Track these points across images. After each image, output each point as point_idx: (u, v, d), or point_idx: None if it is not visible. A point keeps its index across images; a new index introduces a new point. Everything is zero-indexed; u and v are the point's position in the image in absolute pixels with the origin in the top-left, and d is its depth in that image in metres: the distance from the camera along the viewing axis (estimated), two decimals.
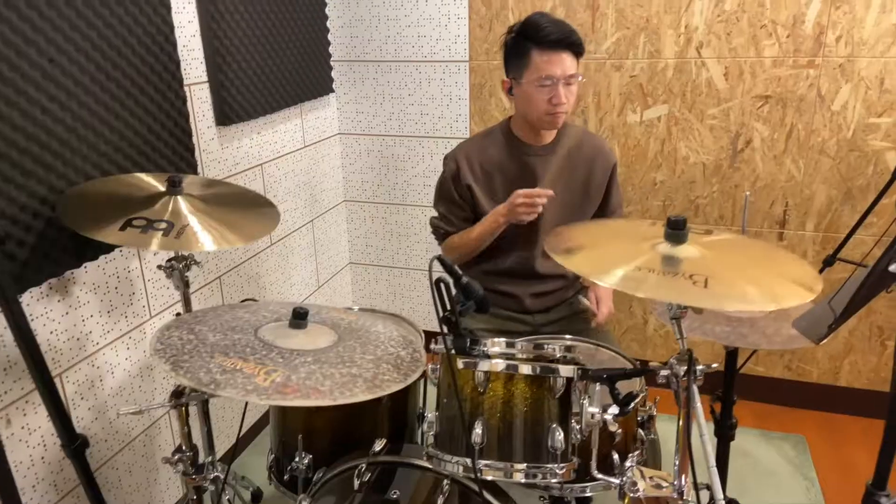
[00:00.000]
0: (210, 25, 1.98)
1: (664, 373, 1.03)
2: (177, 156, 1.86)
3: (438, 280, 1.09)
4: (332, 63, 2.75)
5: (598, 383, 1.18)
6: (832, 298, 1.00)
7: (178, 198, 1.49)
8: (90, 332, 1.70)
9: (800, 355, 2.65)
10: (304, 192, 2.69)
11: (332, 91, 2.78)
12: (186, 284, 1.59)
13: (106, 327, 1.74)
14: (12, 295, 1.33)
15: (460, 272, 1.15)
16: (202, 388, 1.05)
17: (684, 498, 1.08)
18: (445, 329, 1.11)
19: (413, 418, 1.74)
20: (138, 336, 1.86)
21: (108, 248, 1.68)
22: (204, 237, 1.41)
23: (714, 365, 1.04)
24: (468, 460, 1.13)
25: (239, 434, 1.69)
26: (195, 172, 1.95)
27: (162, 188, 1.53)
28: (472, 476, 1.11)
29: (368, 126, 2.87)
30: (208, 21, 1.97)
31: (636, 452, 1.42)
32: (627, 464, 1.14)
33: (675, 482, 1.10)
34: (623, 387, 1.20)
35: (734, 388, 1.57)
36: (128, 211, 1.42)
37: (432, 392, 1.93)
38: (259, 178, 2.36)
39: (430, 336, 1.40)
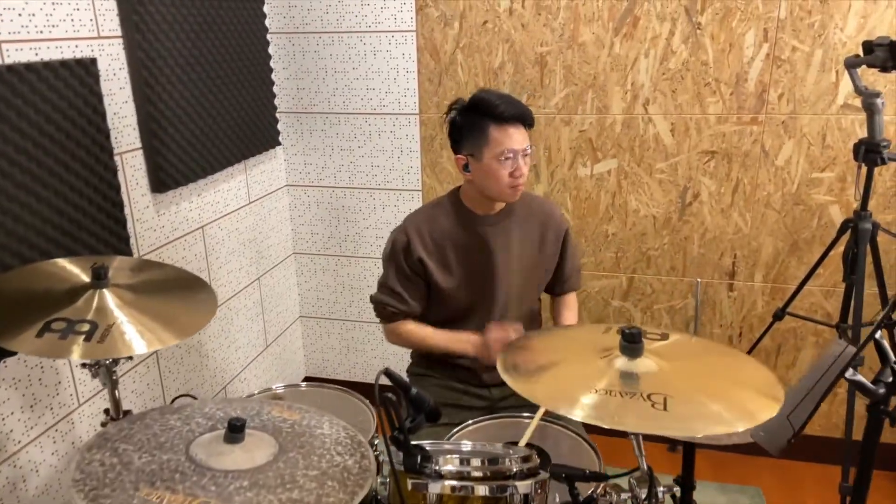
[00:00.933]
0: (143, 90, 1.88)
1: (624, 496, 0.98)
2: (106, 231, 1.76)
3: (385, 400, 1.02)
4: (277, 115, 2.67)
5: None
6: (790, 413, 0.97)
7: (104, 291, 1.39)
8: (11, 430, 1.56)
9: None
10: (250, 249, 2.59)
11: (279, 144, 2.70)
12: (115, 384, 1.47)
13: (28, 423, 1.61)
14: None
15: (409, 384, 1.08)
16: None
17: None
18: (394, 448, 1.04)
19: None
20: (65, 428, 1.73)
21: None
22: (134, 338, 1.31)
23: (676, 489, 0.99)
24: None
25: None
26: (127, 246, 1.84)
27: (86, 278, 1.42)
28: None
29: (318, 177, 2.79)
30: (141, 86, 1.88)
31: None
32: None
33: None
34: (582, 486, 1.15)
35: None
36: (47, 311, 1.31)
37: None
38: (200, 242, 2.25)
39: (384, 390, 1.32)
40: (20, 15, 1.52)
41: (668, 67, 2.33)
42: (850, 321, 2.20)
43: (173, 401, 2.08)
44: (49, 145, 1.56)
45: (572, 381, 1.05)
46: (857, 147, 1.98)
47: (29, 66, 1.50)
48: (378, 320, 1.88)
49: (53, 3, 1.60)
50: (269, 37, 2.58)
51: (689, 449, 1.52)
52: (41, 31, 1.57)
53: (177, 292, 1.53)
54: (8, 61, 1.48)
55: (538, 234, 1.83)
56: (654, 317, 2.64)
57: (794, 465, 2.60)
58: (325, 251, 2.90)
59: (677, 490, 0.97)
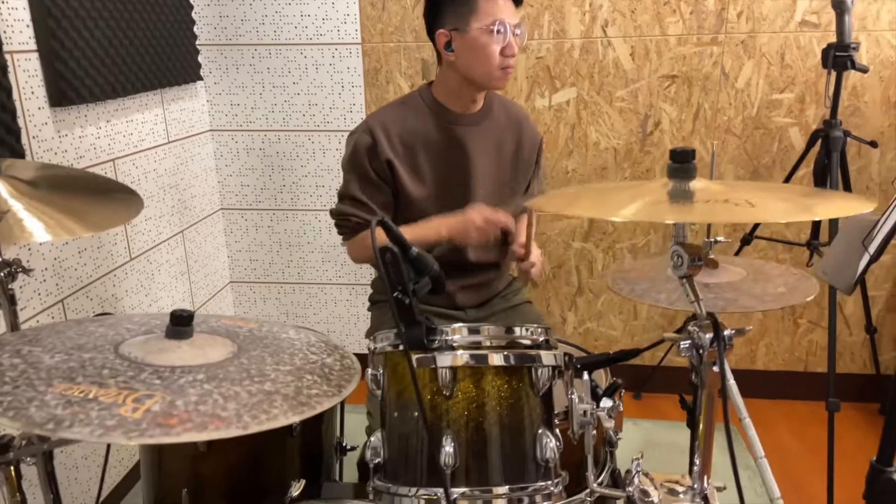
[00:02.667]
0: None
1: (684, 344, 0.80)
2: None
3: (385, 249, 0.79)
4: (198, 46, 2.36)
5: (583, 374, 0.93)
6: (864, 238, 0.83)
7: None
8: None
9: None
10: (171, 196, 2.26)
11: (200, 79, 2.39)
12: (12, 300, 1.16)
13: None
14: None
15: (409, 242, 0.86)
16: (35, 430, 0.67)
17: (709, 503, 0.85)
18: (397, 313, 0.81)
19: (330, 452, 1.41)
20: None
21: None
22: (32, 224, 1.02)
23: (748, 327, 0.83)
24: (436, 491, 0.83)
25: (98, 500, 1.26)
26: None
27: None
28: None
29: (246, 120, 2.50)
30: None
31: (606, 459, 1.18)
32: (632, 470, 0.90)
33: (695, 485, 0.87)
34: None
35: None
36: None
37: (355, 419, 1.61)
38: (111, 177, 1.92)
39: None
40: None
41: None
42: (820, 238, 2.15)
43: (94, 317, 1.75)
44: None
45: (621, 199, 0.87)
46: (825, 52, 1.92)
47: None
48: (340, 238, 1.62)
49: None
50: None
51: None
52: None
53: (89, 193, 1.23)
54: None
55: (516, 139, 1.64)
56: (615, 257, 2.52)
57: (758, 403, 2.53)
58: (258, 205, 2.60)
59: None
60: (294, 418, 0.79)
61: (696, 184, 0.85)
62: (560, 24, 2.28)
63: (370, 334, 1.35)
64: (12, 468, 0.95)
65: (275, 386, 0.85)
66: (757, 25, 2.22)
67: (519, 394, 0.87)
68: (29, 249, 1.59)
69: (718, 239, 1.27)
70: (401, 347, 0.90)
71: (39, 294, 1.65)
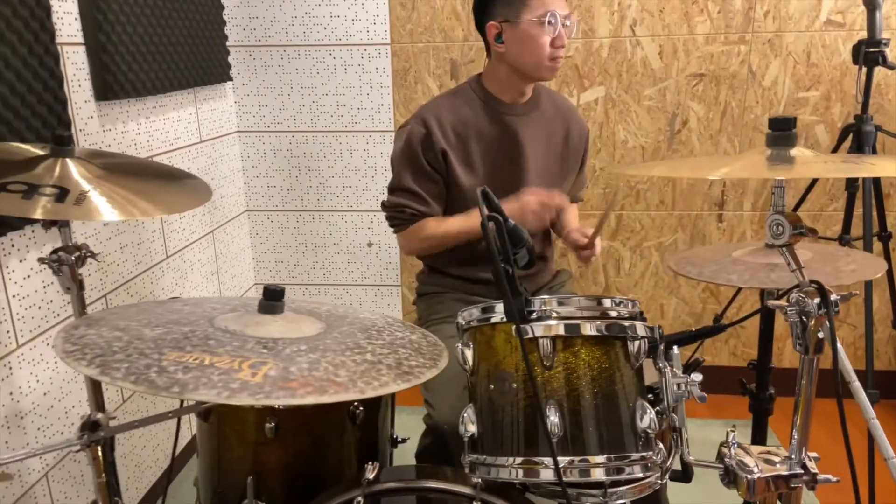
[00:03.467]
0: None
1: (792, 310, 0.80)
2: (48, 129, 1.42)
3: (490, 217, 0.80)
4: (228, 48, 2.37)
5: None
6: None
7: (68, 161, 1.08)
8: None
9: (744, 340, 2.60)
10: None
11: (230, 79, 2.40)
12: (80, 285, 1.15)
13: None
14: None
15: (505, 214, 0.86)
16: (161, 394, 0.67)
17: (810, 472, 0.86)
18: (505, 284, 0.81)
19: (384, 444, 1.41)
20: (3, 372, 1.36)
21: None
22: (104, 207, 1.01)
23: (855, 292, 0.83)
24: (538, 460, 0.83)
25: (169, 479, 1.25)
26: None
27: (41, 152, 1.10)
28: (555, 481, 0.81)
29: (274, 121, 2.50)
30: None
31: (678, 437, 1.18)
32: (728, 441, 0.90)
33: (793, 455, 0.87)
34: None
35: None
36: (2, 176, 0.99)
37: (405, 416, 1.60)
38: None
39: None
40: None
41: None
42: (851, 233, 2.17)
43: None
44: None
45: (714, 163, 0.88)
46: (856, 48, 1.95)
47: None
48: (392, 230, 1.61)
49: None
50: None
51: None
52: None
53: (157, 178, 1.23)
54: None
55: (564, 130, 1.66)
56: (643, 255, 2.53)
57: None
58: (284, 206, 2.60)
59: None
60: (403, 385, 0.79)
61: (795, 152, 0.87)
62: (589, 24, 2.30)
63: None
64: (100, 448, 0.94)
65: (376, 357, 0.85)
66: (783, 25, 2.25)
67: (615, 365, 0.87)
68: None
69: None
70: (493, 319, 0.90)
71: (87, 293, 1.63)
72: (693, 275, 1.19)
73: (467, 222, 1.50)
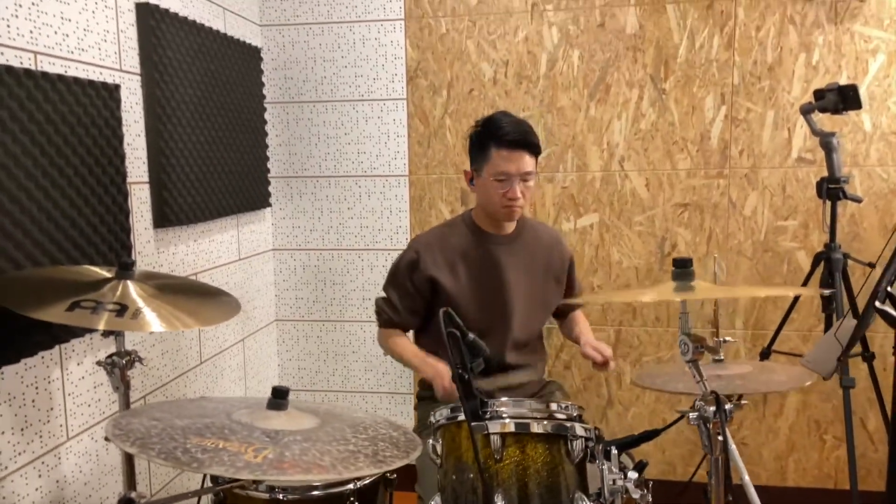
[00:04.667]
0: (156, 126, 1.93)
1: (693, 416, 0.98)
2: (113, 253, 1.72)
3: (450, 334, 1.02)
4: (269, 179, 2.74)
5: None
6: (836, 331, 1.02)
7: (128, 282, 1.35)
8: (0, 451, 1.42)
9: (746, 457, 2.66)
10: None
11: (269, 205, 2.74)
12: (127, 385, 1.39)
13: (18, 448, 1.47)
14: None
15: (465, 329, 1.08)
16: (182, 468, 0.88)
17: None
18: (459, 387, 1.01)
19: None
20: (52, 462, 1.58)
21: (32, 351, 1.46)
22: (154, 321, 1.26)
23: (745, 401, 1.01)
24: None
25: None
26: None
27: (108, 275, 1.38)
28: None
29: (305, 241, 2.82)
30: (155, 122, 1.93)
31: None
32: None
33: None
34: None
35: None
36: (75, 293, 1.26)
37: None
38: None
39: None
40: (55, 32, 1.58)
41: (640, 128, 2.56)
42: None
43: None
44: (71, 156, 1.57)
45: (633, 294, 1.08)
46: (819, 185, 2.19)
47: (61, 77, 1.54)
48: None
49: (85, 30, 1.68)
50: (265, 104, 2.71)
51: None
52: (72, 52, 1.63)
53: (198, 295, 1.50)
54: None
55: (545, 258, 1.90)
56: (643, 369, 2.68)
57: None
58: (309, 316, 2.86)
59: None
60: (375, 471, 0.98)
61: (696, 283, 1.07)
62: (582, 160, 2.61)
63: (418, 430, 1.54)
64: None
65: (357, 447, 1.04)
66: (758, 161, 2.52)
67: (556, 460, 1.05)
68: None
69: (727, 339, 1.46)
70: (459, 418, 1.09)
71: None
72: (647, 384, 1.37)
73: (412, 357, 1.78)
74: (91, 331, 1.61)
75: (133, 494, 1.12)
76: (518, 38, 2.59)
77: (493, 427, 1.03)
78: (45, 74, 1.50)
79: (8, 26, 1.43)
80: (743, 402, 1.01)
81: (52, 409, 1.57)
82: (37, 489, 1.52)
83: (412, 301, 1.83)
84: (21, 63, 1.47)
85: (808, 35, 2.43)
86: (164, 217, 1.98)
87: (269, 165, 2.73)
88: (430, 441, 1.13)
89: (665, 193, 2.59)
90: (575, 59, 2.57)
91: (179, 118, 2.03)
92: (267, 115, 2.73)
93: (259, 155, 2.62)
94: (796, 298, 2.37)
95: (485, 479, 0.99)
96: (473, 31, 2.61)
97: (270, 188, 2.76)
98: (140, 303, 1.31)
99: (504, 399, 1.08)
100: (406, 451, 1.08)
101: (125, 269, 1.35)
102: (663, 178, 2.58)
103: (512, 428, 1.04)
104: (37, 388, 1.52)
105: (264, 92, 2.70)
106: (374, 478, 1.44)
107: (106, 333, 1.37)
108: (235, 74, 2.41)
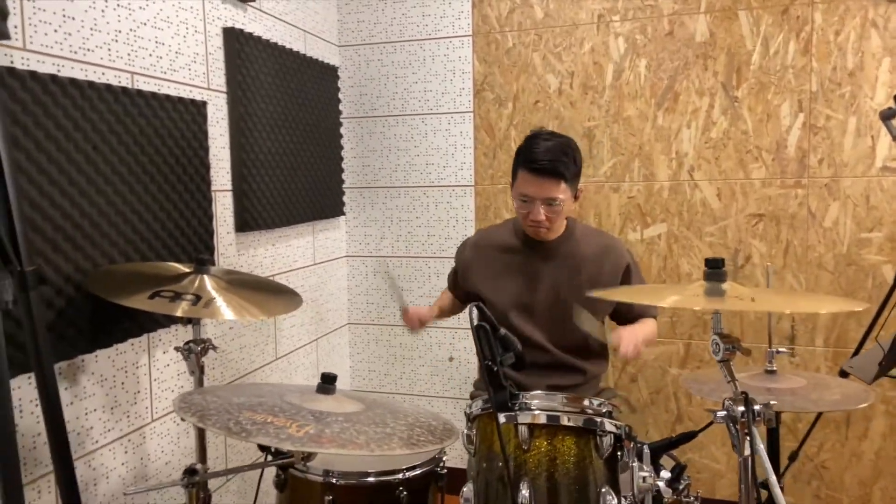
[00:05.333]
0: (239, 139, 2.11)
1: (721, 414, 0.98)
2: (197, 253, 1.89)
3: (479, 327, 1.07)
4: (343, 189, 2.89)
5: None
6: (877, 336, 0.99)
7: (205, 276, 1.50)
8: (91, 427, 1.60)
9: (827, 482, 2.52)
10: (311, 309, 2.68)
11: (343, 214, 2.89)
12: (202, 370, 1.53)
13: (108, 425, 1.64)
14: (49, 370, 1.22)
15: (497, 324, 1.13)
16: (232, 436, 0.98)
17: None
18: (487, 378, 1.07)
19: None
20: (138, 440, 1.75)
21: (122, 337, 1.64)
22: (225, 310, 1.40)
23: (773, 402, 1.00)
24: None
25: None
26: None
27: (188, 270, 1.54)
28: None
29: (376, 248, 2.94)
30: (238, 135, 2.11)
31: None
32: None
33: None
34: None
35: None
36: (156, 284, 1.41)
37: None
38: None
39: None
40: (150, 55, 1.78)
41: (710, 137, 2.51)
42: None
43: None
44: (161, 165, 1.75)
45: (662, 293, 1.10)
46: None
47: (155, 95, 1.73)
48: None
49: (177, 53, 1.87)
50: (341, 119, 2.87)
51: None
52: (164, 73, 1.83)
53: (265, 290, 1.63)
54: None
55: (594, 266, 1.90)
56: (693, 375, 2.59)
57: None
58: (380, 321, 2.97)
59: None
60: (406, 451, 1.04)
61: (727, 285, 1.07)
62: (649, 169, 2.58)
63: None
64: (195, 492, 1.25)
65: (393, 430, 1.11)
66: (839, 170, 2.40)
67: (584, 454, 1.07)
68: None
69: (780, 349, 1.42)
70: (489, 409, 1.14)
71: (209, 380, 2.04)
72: (693, 391, 1.36)
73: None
74: (175, 321, 1.78)
75: (198, 466, 1.24)
76: (584, 49, 2.62)
77: (522, 418, 1.07)
78: (139, 92, 1.69)
79: (109, 50, 1.63)
80: (773, 402, 0.99)
81: (139, 391, 1.75)
82: (123, 464, 1.70)
83: (456, 282, 2.11)
84: (119, 82, 1.67)
85: (893, 39, 2.31)
86: (245, 222, 2.15)
87: (343, 176, 2.89)
88: (464, 430, 1.18)
89: (738, 203, 2.52)
90: (642, 68, 2.56)
91: (260, 132, 2.20)
92: (343, 130, 2.88)
93: (334, 166, 2.78)
94: (877, 314, 2.24)
95: (508, 467, 1.03)
96: (539, 45, 2.66)
97: (345, 198, 2.91)
98: (214, 294, 1.44)
99: (537, 392, 1.12)
100: (441, 438, 1.14)
101: (201, 264, 1.50)
102: (736, 188, 2.51)
103: (543, 420, 1.08)
104: (126, 371, 1.70)
105: (340, 108, 2.86)
106: (424, 470, 1.52)
107: (186, 324, 1.52)
108: (314, 91, 2.58)
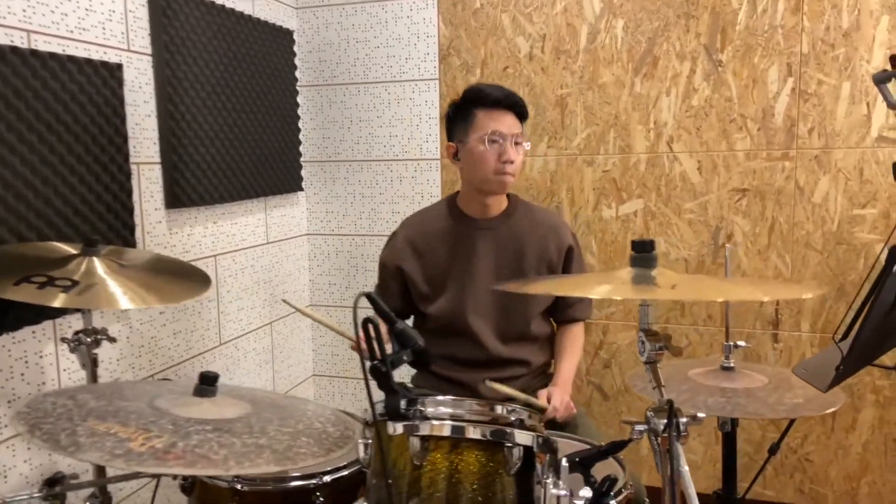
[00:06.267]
0: (167, 106, 1.93)
1: (640, 428, 0.81)
2: (113, 232, 1.72)
3: (367, 320, 0.90)
4: (302, 162, 2.71)
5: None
6: (840, 340, 0.82)
7: (95, 259, 1.33)
8: None
9: (812, 475, 2.35)
10: (264, 290, 2.52)
11: (301, 189, 2.71)
12: (94, 363, 1.37)
13: (3, 420, 1.49)
14: None
15: (394, 316, 0.96)
16: (58, 451, 0.82)
17: None
18: (374, 383, 0.90)
19: None
20: None
21: (14, 326, 1.48)
22: (117, 294, 1.23)
23: (700, 415, 0.83)
24: None
25: None
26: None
27: (74, 251, 1.37)
28: None
29: (338, 226, 2.77)
30: (165, 102, 1.92)
31: None
32: None
33: None
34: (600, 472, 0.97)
35: None
36: (31, 269, 1.25)
37: None
38: (212, 270, 2.20)
39: None
40: (52, 11, 1.59)
41: (692, 105, 2.31)
42: None
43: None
44: (63, 133, 1.57)
45: (590, 281, 0.93)
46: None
47: (53, 55, 1.55)
48: None
49: (87, 10, 1.69)
50: (298, 87, 2.68)
51: (729, 482, 1.32)
52: (71, 32, 1.64)
53: (170, 275, 1.46)
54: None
55: (538, 246, 1.72)
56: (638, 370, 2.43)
57: None
58: (342, 302, 2.81)
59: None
60: (275, 468, 0.88)
61: (657, 272, 0.90)
62: (625, 141, 2.39)
63: None
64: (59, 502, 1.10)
65: (269, 441, 0.95)
66: (830, 141, 2.20)
67: (490, 470, 0.91)
68: (130, 327, 1.85)
69: (739, 343, 1.24)
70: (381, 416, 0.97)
71: (133, 368, 1.89)
72: (638, 390, 1.19)
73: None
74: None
75: (62, 474, 1.09)
76: (556, 9, 2.40)
77: (423, 429, 0.91)
78: (34, 52, 1.51)
79: None
80: (700, 416, 0.83)
81: (44, 383, 1.59)
82: (25, 461, 1.55)
83: (385, 289, 1.84)
84: (12, 41, 1.49)
85: None
86: (177, 197, 1.98)
87: (302, 149, 2.70)
88: (360, 439, 1.02)
89: (720, 177, 2.32)
90: (619, 30, 2.35)
91: (194, 100, 2.02)
92: (300, 99, 2.69)
93: (291, 138, 2.60)
94: (866, 299, 2.05)
95: (389, 486, 0.87)
96: (509, 4, 2.45)
97: (303, 172, 2.73)
98: (100, 279, 1.28)
99: (441, 398, 0.95)
100: (328, 449, 0.98)
101: (91, 245, 1.33)
102: (718, 161, 2.32)
103: (446, 431, 0.91)
104: (26, 362, 1.54)
105: (297, 75, 2.67)
106: (350, 472, 1.37)
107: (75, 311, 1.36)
108: (264, 57, 2.38)
